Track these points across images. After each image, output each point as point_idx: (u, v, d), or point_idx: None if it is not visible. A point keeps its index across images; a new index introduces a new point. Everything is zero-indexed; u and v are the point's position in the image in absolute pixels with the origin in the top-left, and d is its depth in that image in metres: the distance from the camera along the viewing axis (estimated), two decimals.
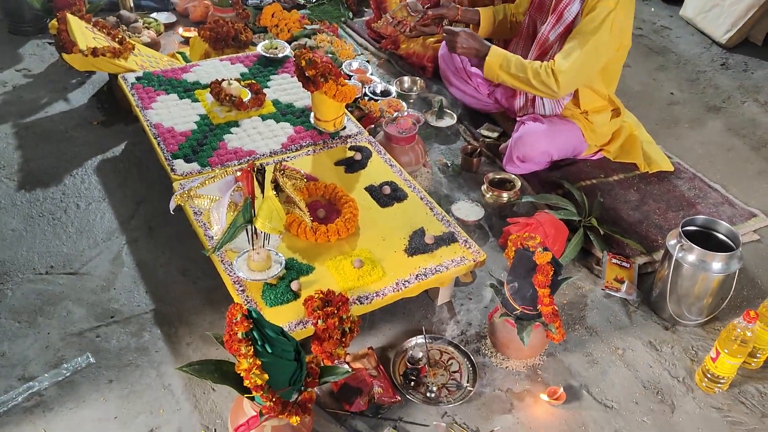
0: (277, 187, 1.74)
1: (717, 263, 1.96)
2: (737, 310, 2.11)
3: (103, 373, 1.85)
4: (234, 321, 1.41)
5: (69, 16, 2.83)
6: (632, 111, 2.95)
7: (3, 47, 3.27)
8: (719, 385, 1.88)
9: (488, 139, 2.88)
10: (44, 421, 1.72)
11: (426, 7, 2.85)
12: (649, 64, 3.64)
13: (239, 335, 1.41)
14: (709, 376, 1.87)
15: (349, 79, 3.19)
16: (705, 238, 2.06)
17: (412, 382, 1.86)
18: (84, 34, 2.79)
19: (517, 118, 2.73)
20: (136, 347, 1.93)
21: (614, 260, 2.26)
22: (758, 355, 1.95)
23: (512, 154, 2.60)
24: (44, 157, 2.63)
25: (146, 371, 1.86)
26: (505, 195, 2.49)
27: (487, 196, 2.52)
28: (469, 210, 2.46)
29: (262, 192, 1.74)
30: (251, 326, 1.40)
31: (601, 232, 2.33)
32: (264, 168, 1.73)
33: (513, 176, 2.56)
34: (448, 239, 2.07)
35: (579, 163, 2.74)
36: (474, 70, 2.94)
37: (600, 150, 2.76)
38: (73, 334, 1.96)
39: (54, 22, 2.88)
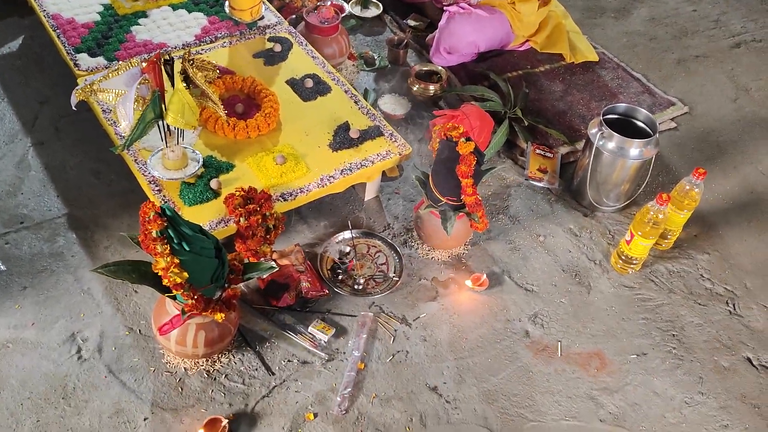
0: (188, 80, 1.63)
1: (635, 149, 2.01)
2: (652, 195, 2.18)
3: (15, 281, 1.77)
4: (147, 219, 1.35)
5: None
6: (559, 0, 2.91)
7: None
8: (632, 266, 1.97)
9: (415, 30, 2.78)
10: None
11: None
12: None
13: (153, 234, 1.35)
14: (623, 258, 1.96)
15: None
16: (625, 126, 2.10)
17: (340, 276, 1.87)
18: None
19: (444, 8, 2.63)
20: (50, 253, 1.85)
21: (538, 150, 2.28)
22: (669, 237, 2.05)
23: (439, 46, 2.53)
24: None
25: (63, 276, 1.79)
26: (431, 87, 2.44)
27: (414, 89, 2.46)
28: (395, 103, 2.41)
29: (173, 85, 1.63)
30: (165, 224, 1.35)
31: (526, 123, 2.34)
32: (172, 59, 1.61)
33: (440, 68, 2.50)
34: (373, 133, 2.03)
35: (506, 54, 2.70)
36: None
37: (527, 41, 2.72)
38: None
39: None
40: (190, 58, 1.61)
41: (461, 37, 2.47)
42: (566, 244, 2.06)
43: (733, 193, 2.28)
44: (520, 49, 2.73)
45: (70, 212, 1.96)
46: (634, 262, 1.96)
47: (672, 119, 2.56)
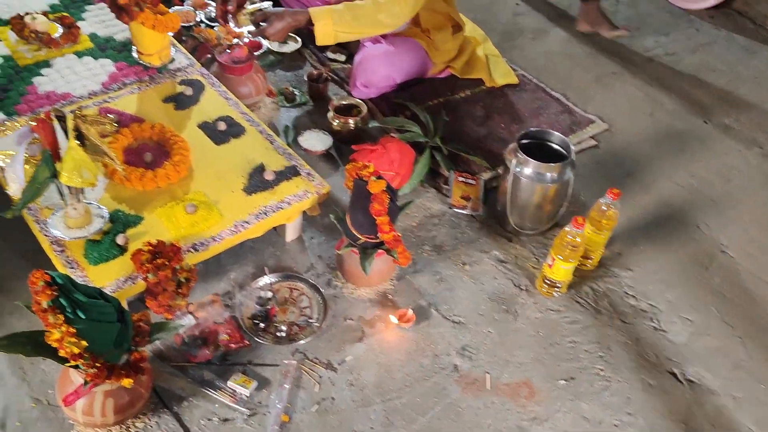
0: (81, 136, 1.56)
1: (551, 173, 2.02)
2: (575, 215, 2.21)
3: None
4: (36, 290, 1.28)
5: None
6: (478, 24, 2.94)
7: None
8: (557, 289, 1.98)
9: (335, 63, 2.77)
10: None
11: None
12: None
13: (44, 305, 1.28)
14: (547, 281, 1.97)
15: (182, 4, 2.94)
16: (540, 149, 2.12)
17: (261, 324, 1.81)
18: None
19: (361, 41, 2.63)
20: None
21: (460, 178, 2.28)
22: (591, 257, 2.06)
23: (356, 80, 2.52)
24: None
25: None
26: (351, 121, 2.42)
27: (335, 123, 2.44)
28: (316, 139, 2.38)
29: (66, 138, 1.56)
30: (55, 293, 1.28)
31: (446, 152, 2.34)
32: (64, 115, 1.55)
33: (359, 101, 2.49)
34: (289, 173, 1.99)
35: (427, 82, 2.71)
36: None
37: (447, 67, 2.74)
38: None
39: None
40: (82, 114, 1.54)
41: (375, 71, 2.47)
42: (492, 271, 2.06)
43: (652, 207, 2.32)
44: (441, 76, 2.74)
45: None
46: (558, 285, 1.96)
47: (592, 137, 2.60)
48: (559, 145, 2.12)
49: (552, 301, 1.98)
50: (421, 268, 2.04)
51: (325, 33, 2.23)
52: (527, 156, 2.02)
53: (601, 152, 2.54)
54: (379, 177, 1.70)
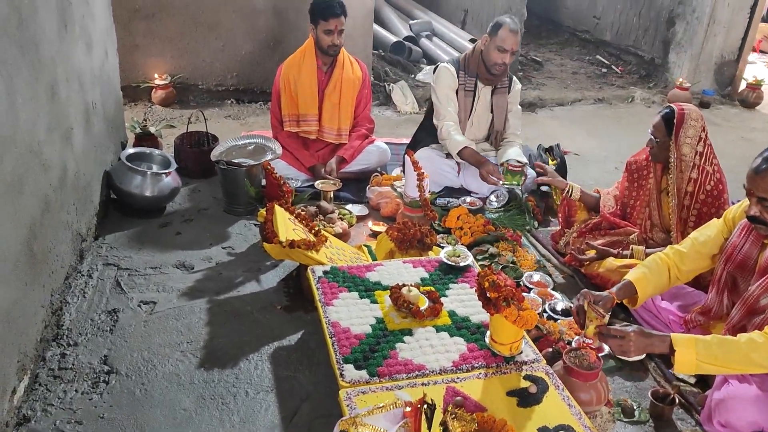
0: (446, 430, 1.61)
1: None
2: None
3: None
4: None
5: (276, 207, 3.11)
6: None
7: (217, 225, 3.66)
8: None
9: (685, 384, 2.55)
10: None
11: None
12: None
13: None
14: None
15: (529, 292, 3.10)
16: None
17: None
18: (286, 225, 3.03)
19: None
20: None
21: None
22: None
23: (712, 417, 2.24)
24: (227, 336, 2.78)
25: None
26: None
27: None
28: None
29: (429, 429, 1.62)
30: None
31: None
32: (434, 405, 1.63)
33: None
34: None
35: None
36: (664, 304, 2.71)
37: None
38: None
39: (262, 211, 3.18)
40: (453, 411, 1.61)
41: (740, 415, 2.16)
42: None
43: None
44: None
45: None
46: None
47: None
48: None
49: None
50: None
51: (687, 363, 2.11)
52: None
53: None
54: None
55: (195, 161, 4.17)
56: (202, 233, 3.56)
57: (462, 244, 3.46)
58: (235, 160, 3.77)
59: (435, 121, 4.11)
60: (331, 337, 2.43)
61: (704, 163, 2.93)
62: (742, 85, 6.64)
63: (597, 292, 2.46)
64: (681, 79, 6.36)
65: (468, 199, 4.01)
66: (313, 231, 3.12)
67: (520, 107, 4.25)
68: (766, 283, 2.21)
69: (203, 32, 5.39)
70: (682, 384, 2.55)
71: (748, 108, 6.49)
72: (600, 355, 2.51)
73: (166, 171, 3.73)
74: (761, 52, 8.54)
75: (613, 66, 7.45)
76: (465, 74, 3.99)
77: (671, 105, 3.02)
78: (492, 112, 4.11)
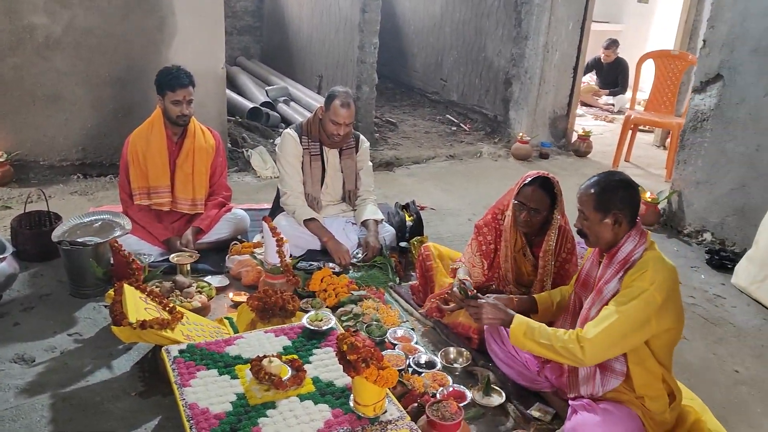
0: None
1: None
2: None
3: None
4: None
5: (125, 286, 2.95)
6: (693, 390, 2.75)
7: (61, 310, 3.39)
8: None
9: (540, 423, 2.67)
10: None
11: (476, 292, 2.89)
12: (707, 337, 3.49)
13: None
14: None
15: (393, 348, 3.14)
16: None
17: None
18: (137, 304, 2.88)
19: (569, 402, 2.55)
20: None
21: None
22: None
23: None
24: None
25: None
26: None
27: None
28: None
29: None
30: None
31: None
32: None
33: None
34: None
35: None
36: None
37: None
38: None
39: (111, 291, 3.00)
40: None
41: None
42: None
43: None
44: None
45: None
46: None
47: None
48: None
49: None
50: None
51: (516, 337, 2.52)
52: None
53: None
54: None
55: (34, 243, 3.86)
56: (44, 321, 3.28)
57: (327, 307, 3.46)
58: (80, 239, 3.55)
59: (280, 187, 4.15)
60: (188, 420, 2.31)
61: (564, 222, 3.15)
62: (574, 137, 7.31)
63: (498, 294, 2.98)
64: (521, 134, 6.89)
65: (330, 264, 3.98)
66: (167, 308, 2.99)
67: (371, 164, 4.35)
68: (594, 296, 2.49)
69: (42, 106, 5.10)
70: (539, 423, 2.67)
71: (581, 156, 7.14)
72: (461, 404, 2.59)
73: (1, 257, 3.43)
74: (588, 105, 9.49)
75: (461, 124, 7.93)
76: (308, 139, 4.07)
77: (545, 175, 3.05)
78: (342, 172, 4.20)
